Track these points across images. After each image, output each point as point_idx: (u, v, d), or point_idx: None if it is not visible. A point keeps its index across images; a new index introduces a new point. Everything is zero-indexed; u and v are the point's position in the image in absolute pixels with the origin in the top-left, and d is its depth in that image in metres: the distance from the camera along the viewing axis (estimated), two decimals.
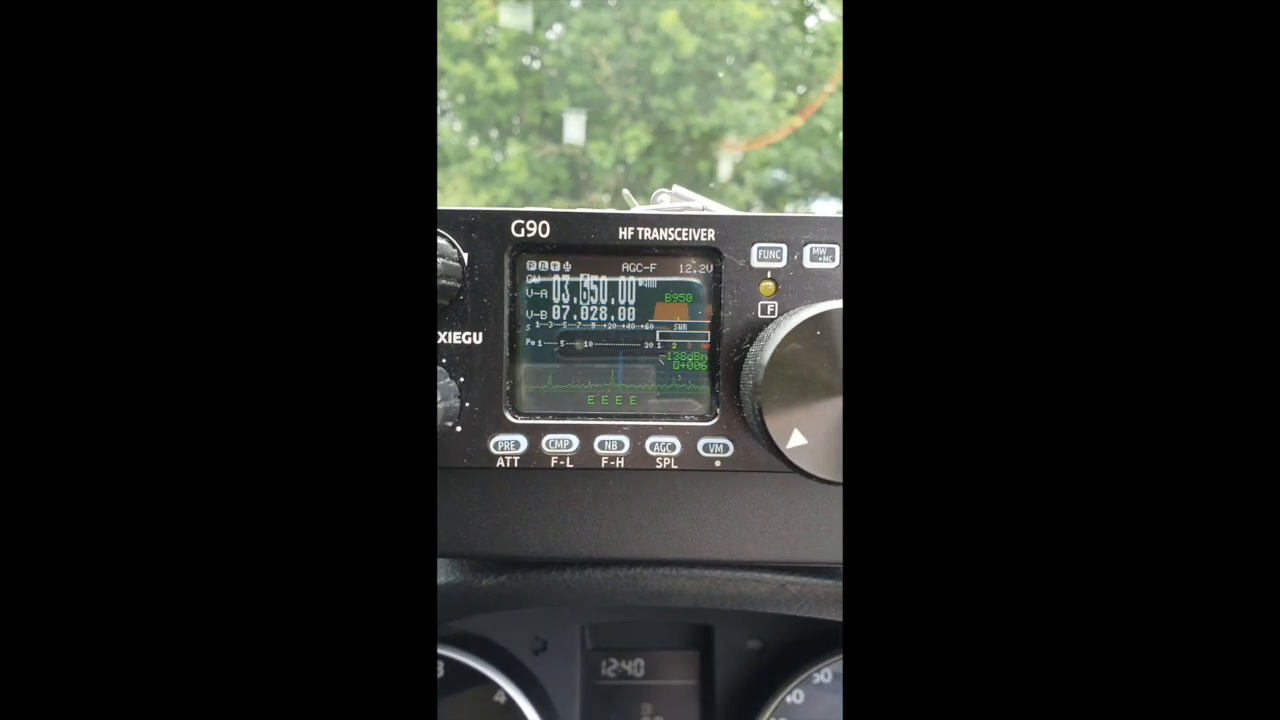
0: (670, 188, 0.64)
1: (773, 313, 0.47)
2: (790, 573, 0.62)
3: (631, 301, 0.48)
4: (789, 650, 0.74)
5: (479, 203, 6.11)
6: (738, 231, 0.48)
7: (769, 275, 0.48)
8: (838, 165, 6.40)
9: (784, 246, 0.47)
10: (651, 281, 0.48)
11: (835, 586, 0.64)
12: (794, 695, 0.70)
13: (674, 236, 0.48)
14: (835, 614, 0.65)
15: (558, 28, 6.61)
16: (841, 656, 0.72)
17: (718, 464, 0.48)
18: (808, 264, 0.47)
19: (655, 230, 0.48)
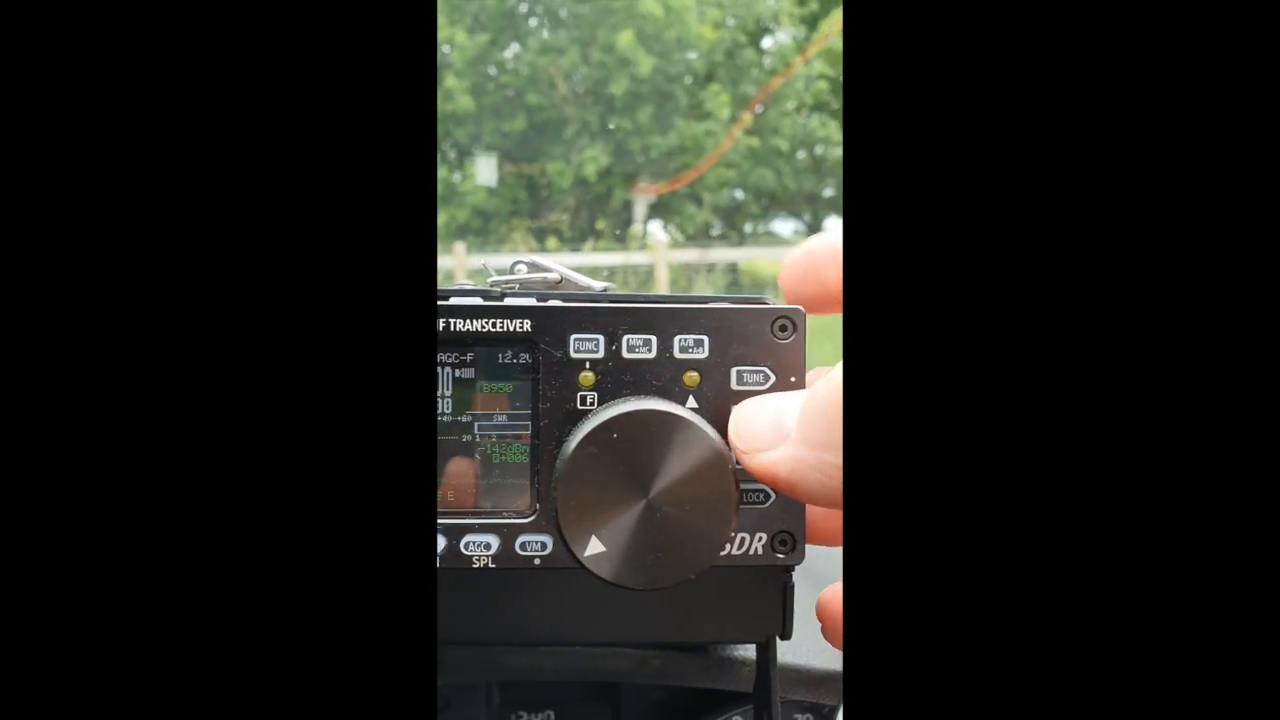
0: (531, 256, 0.63)
1: (592, 403, 0.46)
2: (650, 648, 0.61)
3: (448, 393, 0.47)
4: (697, 700, 0.73)
5: (437, 223, 6.07)
6: (553, 322, 0.47)
7: (587, 366, 0.46)
8: (794, 185, 6.46)
9: (601, 337, 0.46)
10: (468, 372, 0.47)
11: (701, 660, 0.63)
12: None
13: (488, 327, 0.46)
14: (710, 683, 0.64)
15: (514, 47, 6.63)
16: (748, 707, 0.71)
17: (537, 562, 0.46)
18: (625, 355, 0.46)
19: (468, 322, 0.46)
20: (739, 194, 6.50)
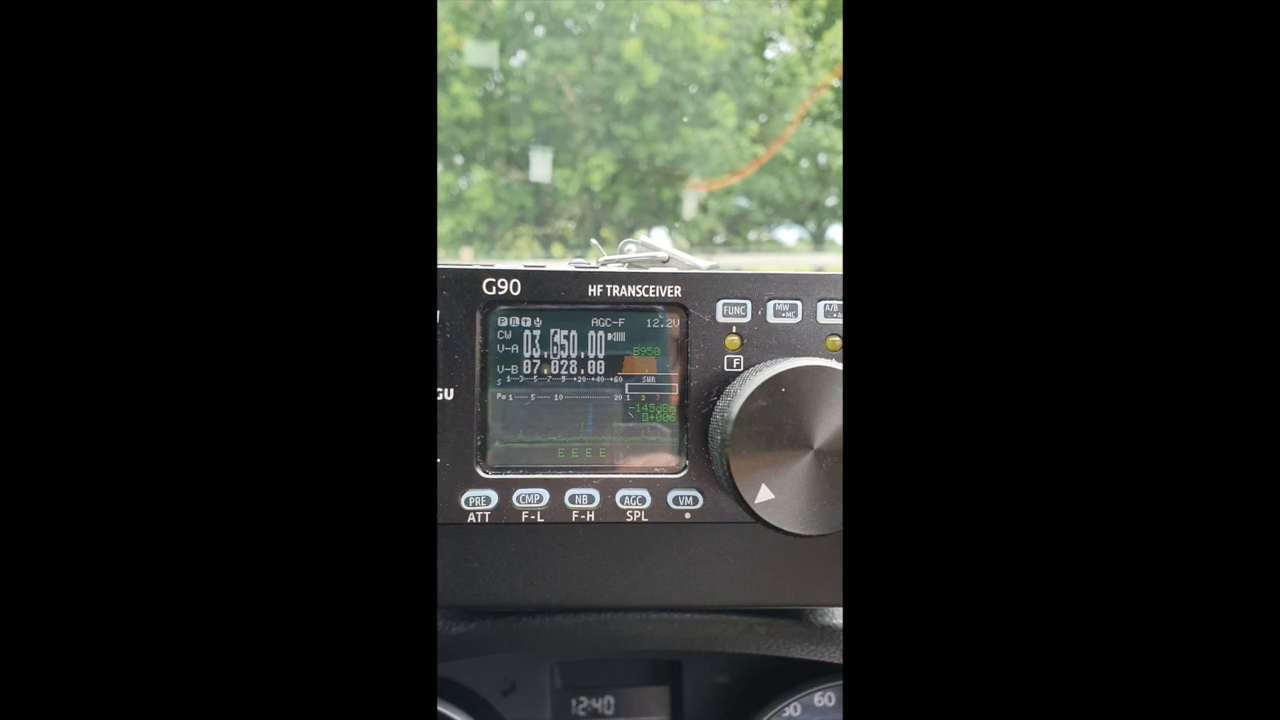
0: (638, 237, 0.65)
1: (738, 366, 0.48)
2: (757, 615, 0.63)
3: (601, 355, 0.49)
4: (759, 684, 0.75)
5: (443, 229, 6.09)
6: (703, 288, 0.49)
7: (734, 330, 0.49)
8: (799, 193, 6.49)
9: (748, 303, 0.49)
10: (620, 335, 0.50)
11: (803, 627, 0.65)
12: None
13: (641, 293, 0.49)
14: (803, 652, 0.66)
15: (521, 54, 6.65)
16: (811, 690, 0.73)
17: (687, 516, 0.49)
18: (771, 319, 0.49)
19: (623, 287, 0.49)
20: (744, 202, 6.53)
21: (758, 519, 0.43)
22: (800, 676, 0.72)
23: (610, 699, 0.74)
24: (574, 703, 0.74)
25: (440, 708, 0.68)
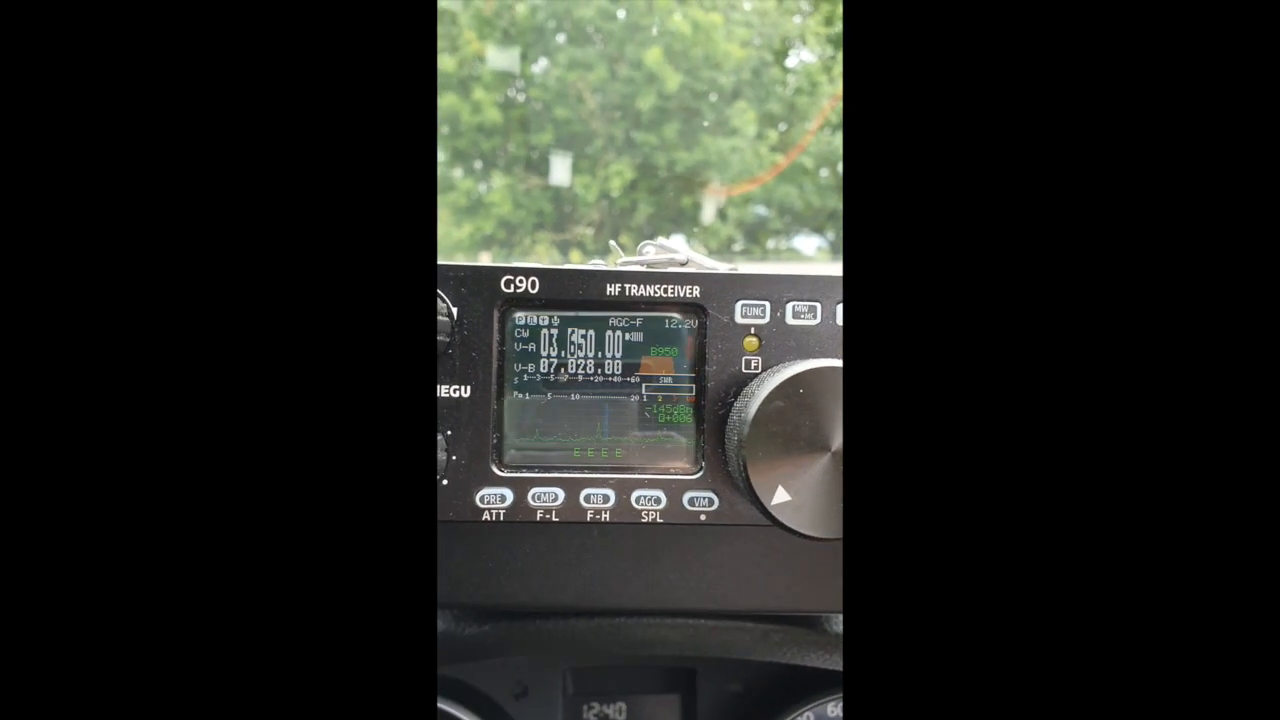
0: (656, 239, 0.65)
1: (756, 368, 0.48)
2: (773, 621, 0.63)
3: (618, 355, 0.49)
4: (772, 693, 0.74)
5: (462, 234, 6.13)
6: (721, 289, 0.49)
7: (752, 331, 0.49)
8: (818, 201, 6.49)
9: (767, 304, 0.48)
10: (638, 336, 0.49)
11: (817, 635, 0.64)
12: None
13: (660, 293, 0.48)
14: (818, 660, 0.65)
15: (543, 62, 6.70)
16: (824, 700, 0.72)
17: (703, 518, 0.48)
18: (789, 321, 0.48)
19: (642, 287, 0.48)
20: (762, 210, 6.54)
21: (774, 521, 0.42)
22: (814, 685, 0.72)
23: (622, 705, 0.74)
24: (586, 709, 0.74)
25: (452, 710, 0.68)
